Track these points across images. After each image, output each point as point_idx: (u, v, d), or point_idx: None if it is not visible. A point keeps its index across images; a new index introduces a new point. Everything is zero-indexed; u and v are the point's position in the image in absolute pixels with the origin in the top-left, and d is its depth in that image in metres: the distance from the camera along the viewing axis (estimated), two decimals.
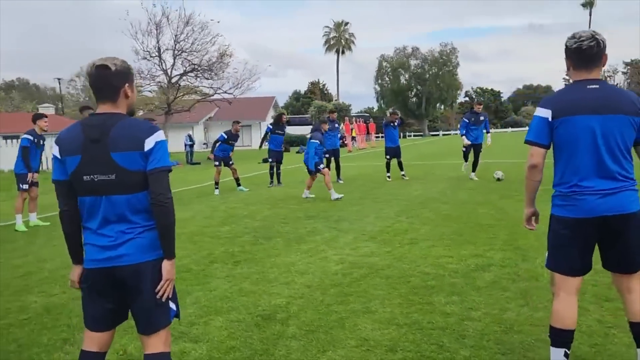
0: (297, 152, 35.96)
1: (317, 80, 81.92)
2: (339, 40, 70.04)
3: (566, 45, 2.86)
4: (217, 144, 13.15)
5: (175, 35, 27.29)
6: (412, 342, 3.62)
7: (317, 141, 11.15)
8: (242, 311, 4.41)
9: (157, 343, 2.53)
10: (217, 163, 13.12)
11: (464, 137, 12.90)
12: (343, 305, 4.45)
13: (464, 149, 13.07)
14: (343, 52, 70.61)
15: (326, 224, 8.18)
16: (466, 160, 13.28)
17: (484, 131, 12.94)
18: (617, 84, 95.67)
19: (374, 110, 79.41)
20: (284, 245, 6.83)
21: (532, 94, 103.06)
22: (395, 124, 13.88)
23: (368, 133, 37.90)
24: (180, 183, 16.52)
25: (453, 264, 5.49)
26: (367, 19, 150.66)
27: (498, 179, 12.29)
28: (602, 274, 3.94)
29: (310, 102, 74.29)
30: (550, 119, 2.80)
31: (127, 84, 2.51)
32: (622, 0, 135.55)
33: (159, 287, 2.47)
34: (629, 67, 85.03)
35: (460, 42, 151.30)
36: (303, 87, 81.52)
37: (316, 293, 4.80)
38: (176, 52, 27.34)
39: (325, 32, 71.11)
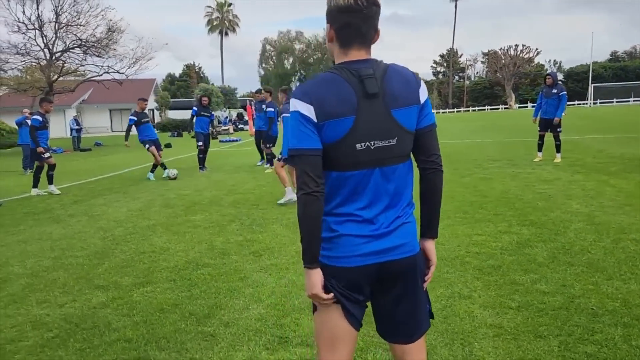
0: (193, 137, 34.25)
1: (192, 63, 78.96)
2: (222, 21, 67.74)
3: None
4: (131, 128, 12.01)
5: (56, 7, 24.20)
6: (550, 325, 3.38)
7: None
8: None
9: (421, 351, 1.99)
10: (147, 145, 11.94)
11: None
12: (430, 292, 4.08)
13: None
14: (227, 34, 68.52)
15: None
16: None
17: None
18: (477, 72, 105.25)
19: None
20: (288, 231, 6.24)
21: None
22: None
23: None
24: (90, 172, 14.80)
25: (491, 242, 5.37)
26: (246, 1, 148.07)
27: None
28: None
29: (186, 85, 71.44)
30: None
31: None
32: None
33: (428, 276, 1.98)
34: (487, 57, 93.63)
35: None
36: (176, 70, 78.34)
37: None
38: (58, 25, 24.28)
39: (208, 12, 68.31)
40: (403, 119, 1.83)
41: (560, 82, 11.81)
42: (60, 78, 27.55)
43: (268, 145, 11.97)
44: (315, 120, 1.79)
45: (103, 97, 48.09)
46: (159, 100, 52.02)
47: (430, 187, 1.93)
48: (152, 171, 12.13)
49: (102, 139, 33.97)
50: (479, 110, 74.84)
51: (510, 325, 3.40)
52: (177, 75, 79.29)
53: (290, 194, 8.06)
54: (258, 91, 14.10)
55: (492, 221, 6.23)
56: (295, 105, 1.82)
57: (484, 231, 5.78)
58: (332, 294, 1.86)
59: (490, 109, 73.06)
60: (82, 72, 28.40)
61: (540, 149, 11.84)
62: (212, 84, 55.42)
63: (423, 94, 1.88)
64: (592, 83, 67.33)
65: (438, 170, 1.92)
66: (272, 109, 11.39)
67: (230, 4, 67.89)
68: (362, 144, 1.80)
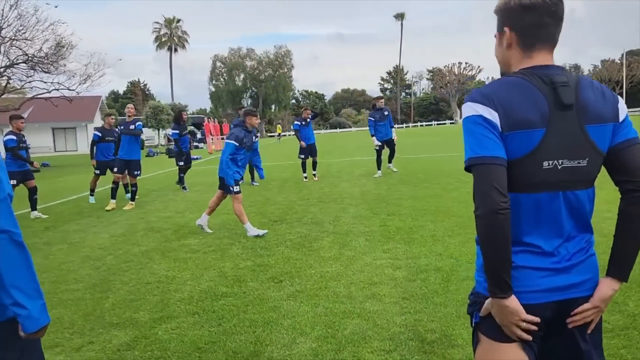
0: (147, 156, 33.10)
1: (137, 80, 77.07)
2: (171, 38, 66.40)
3: None
4: (95, 147, 11.10)
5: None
6: (629, 347, 3.24)
7: (233, 142, 6.98)
8: (404, 335, 3.58)
9: None
10: (97, 171, 11.17)
11: (373, 137, 12.86)
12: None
13: (377, 148, 12.89)
14: (176, 50, 67.21)
15: (309, 227, 7.37)
16: (379, 167, 13.00)
17: (390, 126, 12.99)
18: (423, 89, 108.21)
19: (207, 111, 77.55)
20: (298, 254, 5.91)
21: (349, 97, 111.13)
22: (308, 120, 13.28)
23: (222, 134, 36.60)
24: (50, 195, 13.86)
25: None
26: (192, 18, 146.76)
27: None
28: None
29: (131, 103, 69.31)
30: None
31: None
32: (429, 14, 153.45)
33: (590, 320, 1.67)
34: (431, 74, 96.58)
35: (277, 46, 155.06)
36: (119, 87, 76.53)
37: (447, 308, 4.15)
38: (1, 39, 22.92)
39: (156, 28, 66.81)
40: (597, 137, 1.60)
41: None
42: (4, 95, 26.05)
43: (136, 174, 10.37)
44: (500, 129, 1.55)
45: (45, 116, 45.78)
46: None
47: (637, 215, 1.62)
48: (127, 191, 11.38)
49: (47, 159, 32.22)
50: (426, 125, 76.72)
51: None
52: (120, 92, 77.19)
53: (252, 229, 7.03)
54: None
55: None
56: (475, 108, 1.57)
57: None
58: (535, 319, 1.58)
59: (437, 124, 75.12)
60: (24, 90, 26.92)
61: None
62: (159, 101, 54.05)
63: (623, 111, 1.65)
64: None
65: None
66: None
67: (179, 20, 66.82)
68: (550, 162, 1.56)
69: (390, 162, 13.34)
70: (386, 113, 12.88)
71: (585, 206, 1.64)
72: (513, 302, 1.55)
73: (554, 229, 1.62)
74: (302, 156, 13.11)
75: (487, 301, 1.63)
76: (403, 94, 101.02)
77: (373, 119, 12.90)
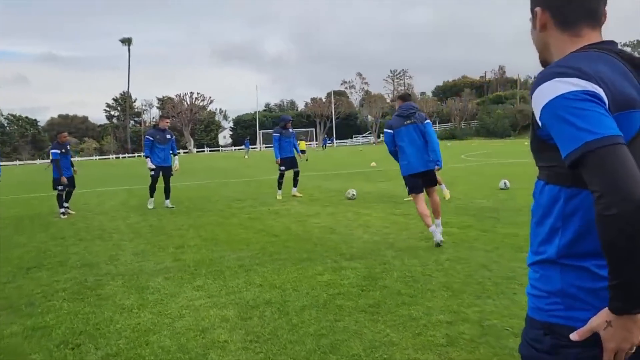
0: None
1: None
2: None
3: None
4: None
5: None
6: (511, 356, 3.32)
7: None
8: None
9: None
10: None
11: (148, 159, 11.37)
12: (344, 345, 3.54)
13: (152, 173, 11.41)
14: None
15: (82, 271, 5.98)
16: (152, 195, 11.54)
17: (171, 153, 11.76)
18: (153, 117, 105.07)
19: None
20: (89, 306, 4.65)
21: (69, 124, 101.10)
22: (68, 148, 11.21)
23: None
24: None
25: (339, 280, 5.12)
26: None
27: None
28: None
29: None
30: None
31: None
32: (154, 42, 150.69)
33: None
34: (161, 102, 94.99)
35: None
36: None
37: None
38: None
39: None
40: None
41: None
42: None
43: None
44: (608, 108, 1.23)
45: None
46: None
47: None
48: None
49: None
50: None
51: None
52: None
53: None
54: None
55: (313, 259, 6.00)
56: (576, 83, 1.23)
57: (318, 270, 5.50)
58: None
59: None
60: None
61: (280, 187, 12.30)
62: None
63: None
64: (259, 129, 75.74)
65: None
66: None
67: None
68: None
69: (167, 197, 11.66)
70: (168, 137, 11.51)
71: None
72: None
73: None
74: (60, 188, 10.85)
75: (594, 319, 1.26)
76: (132, 122, 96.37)
77: (151, 139, 11.32)
